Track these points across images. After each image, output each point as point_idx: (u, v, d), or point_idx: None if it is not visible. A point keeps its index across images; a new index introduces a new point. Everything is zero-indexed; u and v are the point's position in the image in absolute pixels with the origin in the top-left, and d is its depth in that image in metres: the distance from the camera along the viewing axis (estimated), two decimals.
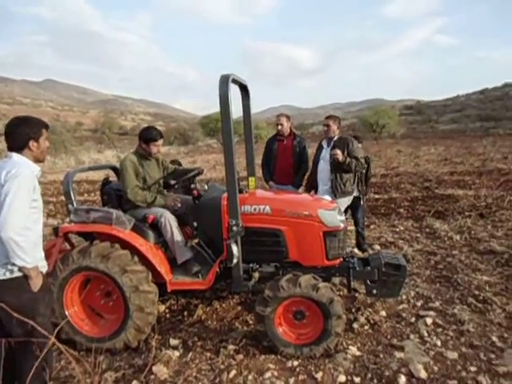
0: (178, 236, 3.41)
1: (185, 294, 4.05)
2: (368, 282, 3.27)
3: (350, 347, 3.08)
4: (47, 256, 3.78)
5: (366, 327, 3.40)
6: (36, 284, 2.30)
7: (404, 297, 3.92)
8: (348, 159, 4.46)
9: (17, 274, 2.25)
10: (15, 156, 2.30)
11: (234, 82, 3.26)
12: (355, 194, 4.92)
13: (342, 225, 3.23)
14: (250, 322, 3.59)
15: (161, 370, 2.84)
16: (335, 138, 4.74)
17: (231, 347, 3.14)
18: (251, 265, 3.32)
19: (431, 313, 3.59)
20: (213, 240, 3.44)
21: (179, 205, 3.64)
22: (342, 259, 3.37)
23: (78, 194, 12.25)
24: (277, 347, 2.98)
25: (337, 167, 4.51)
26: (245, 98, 3.68)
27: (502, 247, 5.39)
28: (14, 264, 2.20)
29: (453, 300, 3.87)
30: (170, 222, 3.42)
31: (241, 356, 3.01)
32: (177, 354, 3.07)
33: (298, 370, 2.85)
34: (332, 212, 3.22)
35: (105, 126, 60.43)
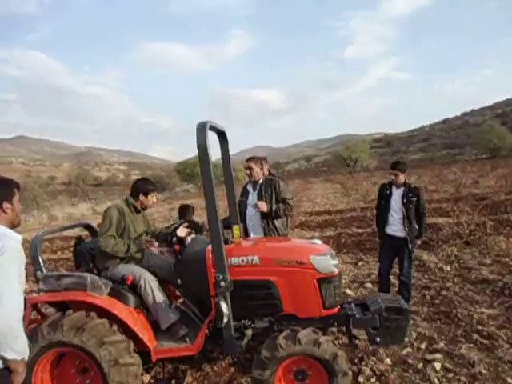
0: (160, 298, 3.12)
1: (171, 360, 3.67)
2: (370, 329, 3.04)
3: None
4: None
5: (373, 379, 3.13)
6: (20, 380, 1.93)
7: (406, 339, 3.69)
8: (275, 206, 4.17)
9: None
10: None
11: (211, 128, 3.15)
12: (402, 234, 4.37)
13: (336, 270, 3.04)
14: None
15: None
16: (260, 181, 4.35)
17: None
18: (243, 321, 3.06)
19: (438, 355, 3.37)
20: (199, 298, 3.17)
21: (156, 244, 3.42)
22: (339, 307, 3.15)
23: (51, 251, 11.64)
24: None
25: (265, 214, 4.20)
26: (223, 144, 3.56)
27: (493, 275, 5.31)
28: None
29: (457, 338, 3.68)
30: (150, 283, 3.14)
31: None
32: None
33: None
34: (325, 257, 3.02)
35: (79, 178, 59.51)
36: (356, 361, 3.41)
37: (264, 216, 4.21)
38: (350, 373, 2.71)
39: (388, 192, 4.50)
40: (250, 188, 4.45)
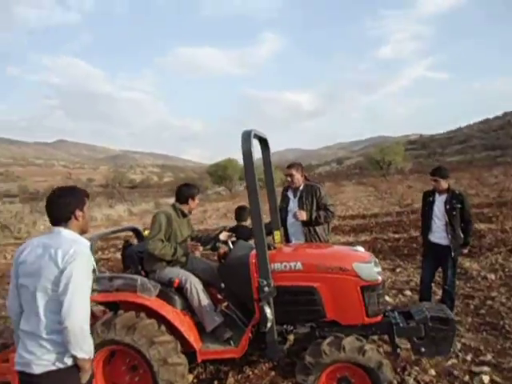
0: (205, 301, 3.22)
1: (213, 361, 3.77)
2: (414, 339, 3.00)
3: None
4: None
5: None
6: (87, 377, 2.08)
7: (451, 350, 3.60)
8: (315, 213, 4.15)
9: (68, 364, 2.03)
10: (64, 231, 2.11)
11: (255, 136, 3.23)
12: (445, 242, 4.22)
13: (379, 278, 3.02)
14: None
15: None
16: (301, 188, 4.34)
17: None
18: (285, 326, 3.11)
19: (485, 368, 3.27)
20: (242, 302, 3.25)
21: (201, 248, 3.51)
22: (382, 315, 3.13)
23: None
24: None
25: (306, 222, 4.19)
26: (265, 151, 3.63)
27: None
28: (69, 355, 2.00)
29: (505, 351, 3.55)
30: (195, 286, 3.25)
31: None
32: None
33: None
34: (368, 264, 3.02)
35: (115, 180, 61.73)
36: (398, 370, 3.37)
37: (305, 222, 4.20)
38: (395, 382, 2.69)
39: (431, 199, 4.41)
40: (290, 194, 4.45)
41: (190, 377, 3.63)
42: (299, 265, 3.02)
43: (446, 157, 69.17)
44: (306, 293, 2.98)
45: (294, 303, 3.00)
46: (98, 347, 2.91)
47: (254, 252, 3.10)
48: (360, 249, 3.25)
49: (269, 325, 2.82)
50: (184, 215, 3.63)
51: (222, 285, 3.35)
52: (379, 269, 3.09)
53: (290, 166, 4.38)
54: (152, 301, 3.06)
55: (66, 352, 1.99)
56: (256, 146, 3.19)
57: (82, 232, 2.26)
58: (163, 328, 2.98)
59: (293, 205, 4.36)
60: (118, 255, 11.14)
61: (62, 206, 2.14)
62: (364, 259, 3.07)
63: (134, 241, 4.32)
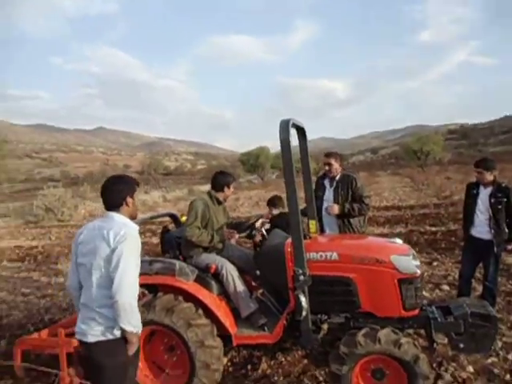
0: (240, 288, 3.29)
1: (246, 347, 3.86)
2: (453, 334, 2.93)
3: None
4: None
5: None
6: (134, 349, 2.29)
7: (491, 348, 3.48)
8: (348, 206, 4.08)
9: (117, 336, 2.23)
10: (116, 216, 2.32)
11: (293, 125, 3.21)
12: (488, 237, 4.05)
13: (418, 271, 2.96)
14: (320, 378, 3.33)
15: None
16: (338, 178, 4.31)
17: None
18: (319, 316, 3.12)
19: None
20: (277, 290, 3.29)
21: (237, 236, 3.57)
22: (419, 309, 3.07)
23: None
24: None
25: (340, 214, 4.14)
26: (302, 140, 3.61)
27: None
28: (118, 328, 2.19)
29: None
30: (231, 273, 3.32)
31: None
32: None
33: None
34: (407, 257, 2.96)
35: (151, 167, 63.31)
36: (434, 365, 3.31)
37: (339, 214, 4.16)
38: (432, 376, 2.66)
39: (475, 191, 4.23)
40: (327, 183, 4.42)
41: (225, 360, 3.74)
42: (335, 255, 3.02)
43: (488, 147, 65.72)
44: (341, 283, 2.98)
45: (329, 293, 3.01)
46: None
47: (289, 241, 3.12)
48: (398, 241, 3.19)
49: (304, 313, 2.84)
50: (219, 203, 3.70)
51: (257, 272, 3.40)
52: (418, 262, 3.03)
53: (328, 155, 4.33)
54: (189, 285, 3.16)
55: (116, 325, 2.18)
56: (292, 135, 3.18)
57: (131, 217, 2.44)
58: (200, 311, 3.08)
59: (328, 194, 4.33)
60: (154, 240, 11.52)
61: (115, 192, 2.36)
62: (402, 251, 3.02)
63: (171, 226, 4.45)
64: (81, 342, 2.30)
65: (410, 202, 14.98)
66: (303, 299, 2.83)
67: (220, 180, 3.66)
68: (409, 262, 2.94)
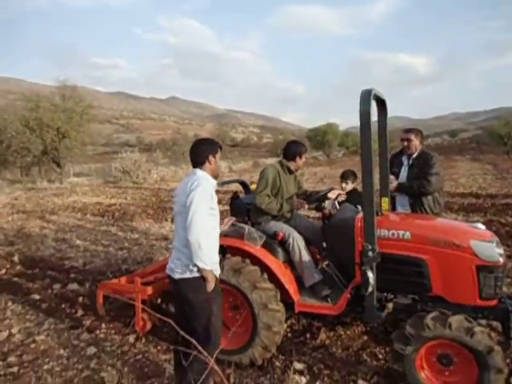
0: (306, 257, 3.32)
1: (306, 315, 3.92)
2: None
3: None
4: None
5: None
6: (210, 286, 2.58)
7: None
8: (406, 184, 3.90)
9: (196, 274, 2.56)
10: (198, 171, 2.69)
11: (374, 96, 3.06)
12: None
13: (501, 259, 2.75)
14: (380, 356, 3.30)
15: None
16: (415, 155, 4.08)
17: (361, 383, 2.90)
18: (385, 294, 3.06)
19: None
20: (343, 263, 3.26)
21: (306, 206, 3.62)
22: (497, 300, 2.86)
23: None
24: None
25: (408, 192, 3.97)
26: (381, 114, 3.44)
27: None
28: (194, 265, 2.51)
29: None
30: (297, 242, 3.34)
31: None
32: (304, 380, 2.96)
33: None
34: (489, 244, 2.76)
35: (219, 138, 64.79)
36: (508, 361, 3.10)
37: (408, 192, 3.99)
38: (506, 370, 2.50)
39: None
40: (404, 160, 4.22)
41: (284, 325, 3.84)
42: (408, 234, 2.90)
43: None
44: (412, 264, 2.87)
45: (399, 272, 2.92)
46: None
47: (360, 216, 3.05)
48: (481, 226, 2.97)
49: (370, 289, 2.80)
50: (290, 172, 3.70)
51: (324, 244, 3.40)
52: (501, 250, 2.81)
53: (408, 131, 4.12)
54: (257, 249, 3.25)
55: (194, 264, 2.51)
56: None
57: (213, 175, 2.75)
58: (265, 276, 3.17)
59: (403, 172, 4.15)
60: (220, 207, 11.98)
61: (199, 151, 2.73)
62: (484, 237, 2.82)
63: (241, 194, 4.57)
64: (170, 278, 2.69)
65: (491, 190, 13.74)
66: (370, 275, 2.78)
67: (292, 149, 3.66)
68: (491, 250, 2.74)
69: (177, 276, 2.62)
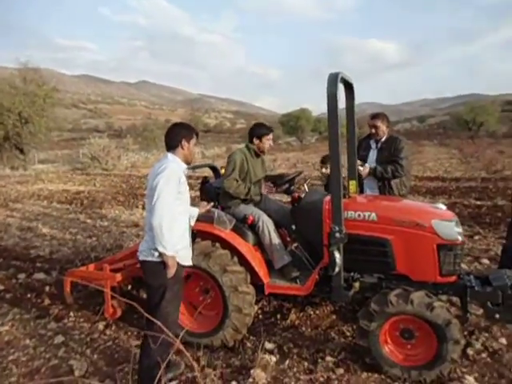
0: (275, 240, 3.35)
1: (276, 297, 3.99)
2: (489, 304, 2.86)
3: (466, 376, 2.74)
4: None
5: (484, 355, 3.01)
6: (170, 272, 2.52)
7: None
8: (379, 169, 3.93)
9: (156, 258, 2.52)
10: (169, 155, 2.66)
11: (341, 80, 3.08)
12: None
13: (460, 238, 2.88)
14: (347, 333, 3.41)
15: (259, 375, 2.79)
16: (383, 139, 4.17)
17: (329, 359, 3.00)
18: (352, 274, 3.14)
19: None
20: (311, 245, 3.32)
21: (274, 190, 3.66)
22: (456, 276, 3.00)
23: None
24: (381, 366, 2.76)
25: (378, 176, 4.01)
26: (349, 98, 3.47)
27: None
28: (156, 249, 2.47)
29: None
30: (267, 225, 3.37)
31: (341, 370, 2.86)
32: (274, 359, 3.01)
33: None
34: (449, 223, 2.87)
35: (191, 123, 63.71)
36: (465, 333, 3.28)
37: (377, 176, 4.04)
38: (462, 342, 2.65)
39: None
40: (372, 144, 4.29)
41: (256, 308, 3.90)
42: (373, 215, 2.98)
43: None
44: (377, 244, 2.96)
45: (364, 253, 3.00)
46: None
47: (328, 198, 3.10)
48: (441, 206, 3.09)
49: (337, 269, 2.86)
50: (257, 155, 3.69)
51: (293, 227, 3.44)
52: (460, 229, 2.93)
53: (374, 117, 4.16)
54: (227, 233, 3.26)
55: (154, 247, 2.48)
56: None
57: (186, 161, 2.72)
58: (235, 259, 3.19)
59: (372, 155, 4.22)
60: (191, 193, 11.85)
61: (173, 135, 2.69)
62: (445, 217, 2.93)
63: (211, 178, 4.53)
64: (138, 259, 2.68)
65: (456, 174, 14.31)
66: (337, 256, 2.85)
67: (255, 131, 3.63)
68: (450, 229, 2.86)
69: (141, 258, 2.61)
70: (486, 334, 3.26)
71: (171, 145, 2.67)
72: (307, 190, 3.54)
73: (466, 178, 12.89)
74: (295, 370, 2.90)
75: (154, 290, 2.55)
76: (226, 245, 3.24)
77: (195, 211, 3.05)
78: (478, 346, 3.11)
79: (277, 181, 3.65)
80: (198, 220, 3.36)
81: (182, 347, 1.76)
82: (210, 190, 3.87)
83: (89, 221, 8.44)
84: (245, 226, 3.40)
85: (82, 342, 3.47)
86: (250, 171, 3.59)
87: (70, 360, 3.17)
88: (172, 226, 2.48)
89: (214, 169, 4.38)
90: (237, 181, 3.50)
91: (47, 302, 4.28)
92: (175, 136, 2.66)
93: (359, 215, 3.01)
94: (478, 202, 9.09)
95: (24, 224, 8.25)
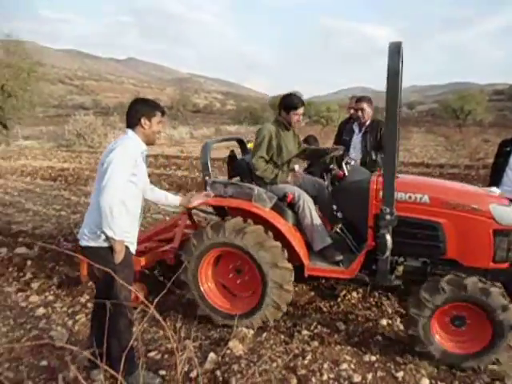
0: (316, 220, 3.15)
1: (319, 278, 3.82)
2: None
3: None
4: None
5: None
6: (118, 257, 2.33)
7: None
8: (373, 157, 3.92)
9: (102, 243, 2.32)
10: (129, 132, 2.44)
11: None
12: None
13: None
14: (324, 309, 3.49)
15: (236, 346, 2.84)
16: (367, 123, 4.09)
17: (305, 333, 3.07)
18: (396, 257, 2.99)
19: None
20: (354, 226, 3.17)
21: (300, 180, 3.45)
22: (509, 264, 2.87)
23: (155, 167, 12.81)
24: (432, 355, 2.68)
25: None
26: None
27: None
28: (103, 233, 2.26)
29: None
30: (308, 205, 3.17)
31: (315, 343, 2.92)
32: (251, 332, 3.06)
33: (376, 365, 2.70)
34: (508, 208, 2.76)
35: (180, 103, 62.60)
36: None
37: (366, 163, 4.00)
38: None
39: (509, 149, 4.02)
40: (355, 128, 4.21)
41: None
42: (426, 198, 2.83)
43: None
44: (428, 227, 2.83)
45: (413, 236, 2.86)
46: (208, 248, 3.07)
47: (375, 178, 2.97)
48: (496, 191, 2.98)
49: (387, 253, 2.71)
50: (287, 128, 3.46)
51: (334, 207, 3.27)
52: None
53: (360, 99, 4.08)
54: (267, 212, 3.06)
55: (100, 230, 2.27)
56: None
57: (147, 141, 2.49)
58: (270, 234, 3.00)
59: (356, 139, 4.15)
60: (179, 173, 11.72)
61: (133, 112, 2.44)
62: (503, 202, 2.82)
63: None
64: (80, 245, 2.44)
65: (441, 160, 14.49)
66: (389, 239, 2.68)
67: (283, 103, 3.40)
68: (508, 214, 2.75)
69: (83, 243, 2.37)
70: None
71: (131, 122, 2.44)
72: (347, 169, 3.34)
73: (450, 165, 13.06)
74: (272, 342, 2.95)
75: (103, 278, 2.29)
76: (263, 224, 3.04)
77: (176, 200, 2.85)
78: None
79: (313, 159, 3.44)
80: (233, 197, 3.16)
81: (158, 316, 1.75)
82: (242, 166, 3.60)
83: (73, 198, 8.31)
84: (284, 204, 3.20)
85: (64, 314, 3.44)
86: (282, 147, 3.35)
87: (51, 331, 3.17)
88: (122, 209, 2.28)
89: (241, 142, 4.13)
90: (266, 161, 3.31)
91: (29, 275, 4.25)
92: (135, 113, 2.42)
93: (410, 197, 2.85)
94: None
95: (6, 199, 8.09)
